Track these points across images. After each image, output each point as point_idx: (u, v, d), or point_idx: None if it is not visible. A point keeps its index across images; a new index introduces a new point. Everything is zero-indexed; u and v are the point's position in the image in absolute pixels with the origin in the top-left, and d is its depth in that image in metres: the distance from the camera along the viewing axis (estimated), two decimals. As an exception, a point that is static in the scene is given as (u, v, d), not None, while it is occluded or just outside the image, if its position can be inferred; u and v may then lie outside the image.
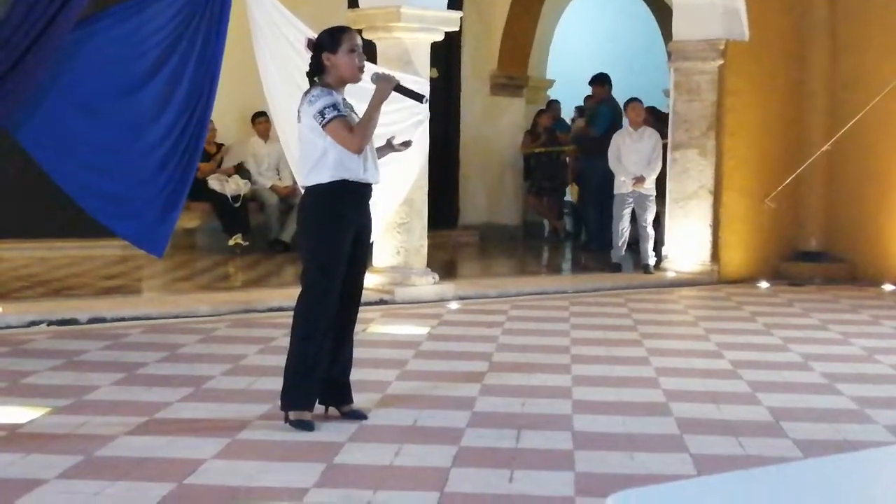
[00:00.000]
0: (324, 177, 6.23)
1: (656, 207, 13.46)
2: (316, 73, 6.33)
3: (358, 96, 6.56)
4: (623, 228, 13.03)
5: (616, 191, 13.08)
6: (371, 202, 6.47)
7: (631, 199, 12.91)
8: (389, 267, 10.68)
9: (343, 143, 6.15)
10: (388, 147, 6.63)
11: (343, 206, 6.24)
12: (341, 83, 6.33)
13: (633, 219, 13.08)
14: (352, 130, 6.15)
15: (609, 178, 13.73)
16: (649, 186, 12.91)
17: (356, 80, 6.35)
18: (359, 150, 6.18)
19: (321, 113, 6.15)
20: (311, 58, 6.35)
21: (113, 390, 7.03)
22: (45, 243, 12.98)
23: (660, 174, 13.09)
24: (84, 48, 8.52)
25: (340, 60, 6.26)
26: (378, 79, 6.36)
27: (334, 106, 6.17)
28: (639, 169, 12.86)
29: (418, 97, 6.53)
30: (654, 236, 12.92)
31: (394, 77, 6.48)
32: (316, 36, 6.50)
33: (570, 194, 16.74)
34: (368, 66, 6.54)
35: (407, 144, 6.68)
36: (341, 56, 6.25)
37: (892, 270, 12.83)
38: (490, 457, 5.80)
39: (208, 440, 5.94)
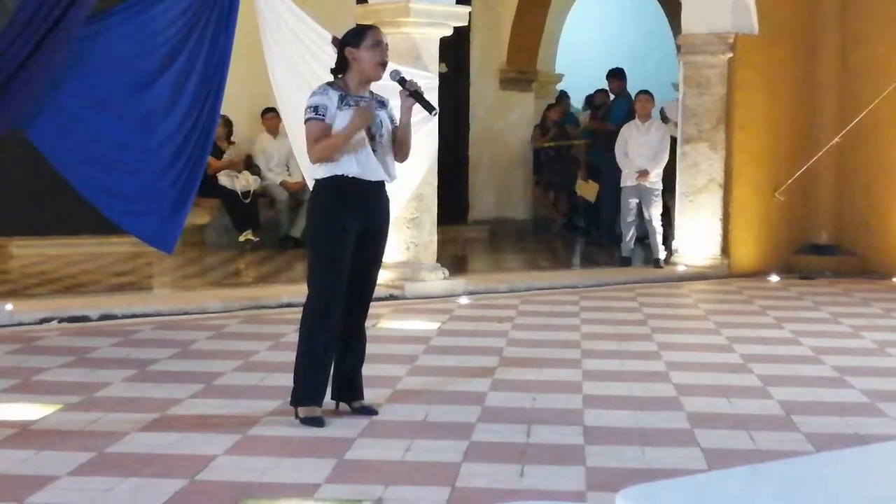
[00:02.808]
0: (320, 172, 6.31)
1: (666, 201, 13.43)
2: (340, 69, 6.35)
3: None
4: (630, 222, 13.02)
5: (622, 184, 13.08)
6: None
7: (635, 193, 12.89)
8: (399, 262, 10.68)
9: (308, 148, 6.28)
10: (405, 100, 6.42)
11: (340, 202, 6.25)
12: (364, 80, 6.34)
13: (642, 213, 13.06)
14: (320, 139, 6.20)
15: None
16: (654, 180, 12.89)
17: (377, 76, 6.35)
18: (314, 161, 6.30)
19: (306, 109, 6.27)
20: (337, 54, 6.38)
21: (124, 387, 7.04)
22: (56, 240, 13.01)
23: (670, 168, 13.06)
24: (94, 45, 8.53)
25: (362, 54, 6.27)
26: (402, 91, 6.35)
27: (318, 108, 6.23)
28: (644, 162, 12.84)
29: (429, 108, 6.52)
30: (661, 231, 12.89)
31: (414, 82, 6.48)
32: (334, 34, 6.55)
33: (581, 190, 16.69)
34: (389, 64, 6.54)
35: (411, 91, 6.38)
36: (363, 50, 6.27)
37: (903, 263, 12.82)
38: (501, 452, 5.80)
39: (219, 436, 5.95)
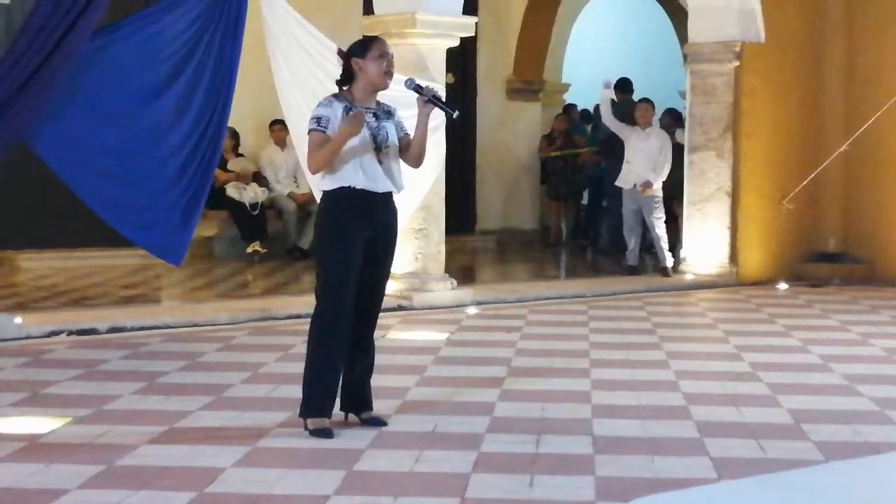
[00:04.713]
0: (327, 183, 6.33)
1: (674, 209, 13.41)
2: (346, 80, 6.37)
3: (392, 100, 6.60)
4: (631, 229, 13.03)
5: (619, 183, 13.06)
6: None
7: (634, 200, 12.90)
8: (407, 273, 10.68)
9: (307, 158, 6.32)
10: (423, 107, 6.38)
11: (347, 213, 6.25)
12: (371, 90, 6.35)
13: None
14: (317, 151, 6.22)
15: None
16: (656, 186, 12.88)
17: (384, 85, 6.36)
18: (312, 171, 6.40)
19: (309, 120, 6.30)
20: (343, 66, 6.40)
21: (133, 399, 7.04)
22: (64, 253, 13.01)
23: (677, 176, 13.05)
24: (101, 58, 8.54)
25: (368, 65, 6.29)
26: (419, 98, 6.35)
27: (320, 119, 6.25)
28: (644, 170, 12.81)
29: (449, 112, 6.53)
30: (665, 237, 12.88)
31: (431, 88, 6.49)
32: (339, 46, 6.57)
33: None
34: (399, 75, 6.56)
35: (429, 97, 6.36)
36: (369, 61, 6.29)
37: (912, 270, 12.81)
38: (510, 462, 5.80)
39: (228, 448, 5.95)
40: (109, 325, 9.28)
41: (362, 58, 6.31)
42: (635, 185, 12.85)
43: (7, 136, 8.39)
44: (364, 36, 6.52)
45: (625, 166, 13.04)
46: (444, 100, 6.52)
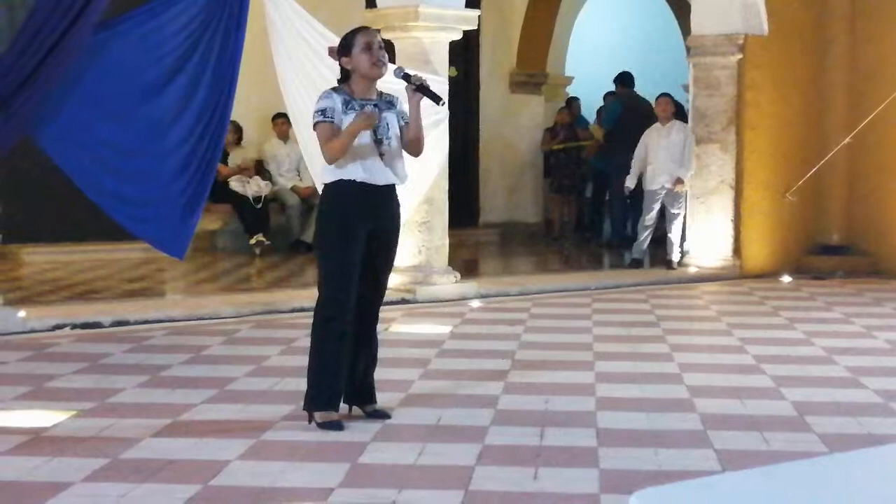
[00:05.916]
0: (329, 176, 6.31)
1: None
2: (344, 79, 6.37)
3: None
4: (648, 225, 12.99)
5: (646, 187, 13.00)
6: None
7: (661, 196, 12.85)
8: (411, 266, 10.68)
9: (322, 150, 6.26)
10: (412, 96, 6.36)
11: (348, 206, 6.25)
12: (367, 82, 6.35)
13: (661, 215, 13.02)
14: (330, 139, 6.20)
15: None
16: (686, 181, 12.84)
17: (375, 75, 6.35)
18: (329, 161, 6.26)
19: (314, 114, 6.29)
20: (340, 66, 6.40)
21: (137, 393, 7.05)
22: (68, 247, 13.04)
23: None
24: (103, 52, 8.54)
25: (356, 60, 6.29)
26: (407, 86, 6.34)
27: (325, 111, 6.23)
28: (670, 166, 12.76)
29: (436, 99, 6.52)
30: (680, 232, 12.86)
31: (419, 76, 6.47)
32: (334, 44, 6.56)
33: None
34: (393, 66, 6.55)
35: (416, 85, 6.32)
36: (356, 55, 6.29)
37: (916, 263, 12.80)
38: (514, 455, 5.80)
39: (233, 441, 5.96)
40: (113, 319, 9.29)
41: (349, 55, 6.31)
42: (663, 186, 12.79)
43: (10, 132, 8.40)
44: (348, 32, 6.48)
45: (649, 168, 12.94)
46: (431, 87, 6.48)
